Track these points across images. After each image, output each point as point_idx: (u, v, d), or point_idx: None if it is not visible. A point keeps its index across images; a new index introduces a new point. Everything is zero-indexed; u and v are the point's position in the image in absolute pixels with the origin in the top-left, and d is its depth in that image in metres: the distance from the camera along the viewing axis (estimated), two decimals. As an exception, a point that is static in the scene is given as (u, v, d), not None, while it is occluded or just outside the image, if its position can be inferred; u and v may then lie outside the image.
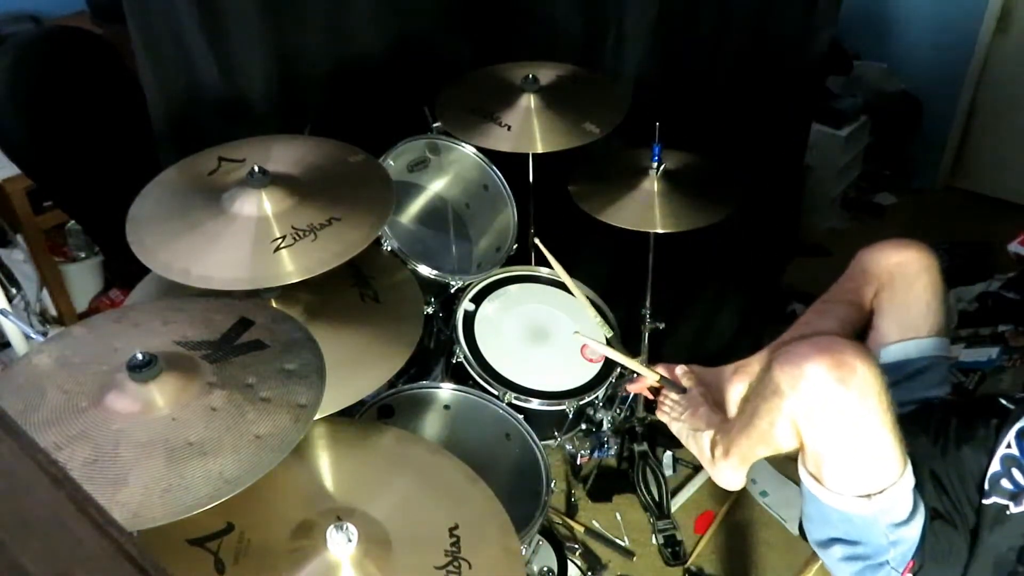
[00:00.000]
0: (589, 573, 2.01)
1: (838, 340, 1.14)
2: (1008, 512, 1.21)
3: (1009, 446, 1.24)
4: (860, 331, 1.50)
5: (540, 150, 1.89)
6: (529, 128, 1.92)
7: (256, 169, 1.43)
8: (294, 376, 1.11)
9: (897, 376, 1.37)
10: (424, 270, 1.88)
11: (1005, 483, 1.22)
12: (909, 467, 1.18)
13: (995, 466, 1.24)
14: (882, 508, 1.18)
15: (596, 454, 2.27)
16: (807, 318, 1.55)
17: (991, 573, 1.23)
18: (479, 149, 1.99)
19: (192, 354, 1.11)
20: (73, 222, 2.62)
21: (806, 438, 1.16)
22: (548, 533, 1.90)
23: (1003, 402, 1.31)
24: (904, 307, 1.43)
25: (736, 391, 1.47)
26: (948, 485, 1.27)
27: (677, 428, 1.53)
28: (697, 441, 1.47)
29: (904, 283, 1.43)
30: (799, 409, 1.14)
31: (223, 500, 0.95)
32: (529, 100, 1.94)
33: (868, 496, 1.16)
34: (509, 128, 1.92)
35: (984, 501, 1.23)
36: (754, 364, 1.47)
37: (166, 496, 0.95)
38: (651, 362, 2.22)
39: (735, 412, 1.44)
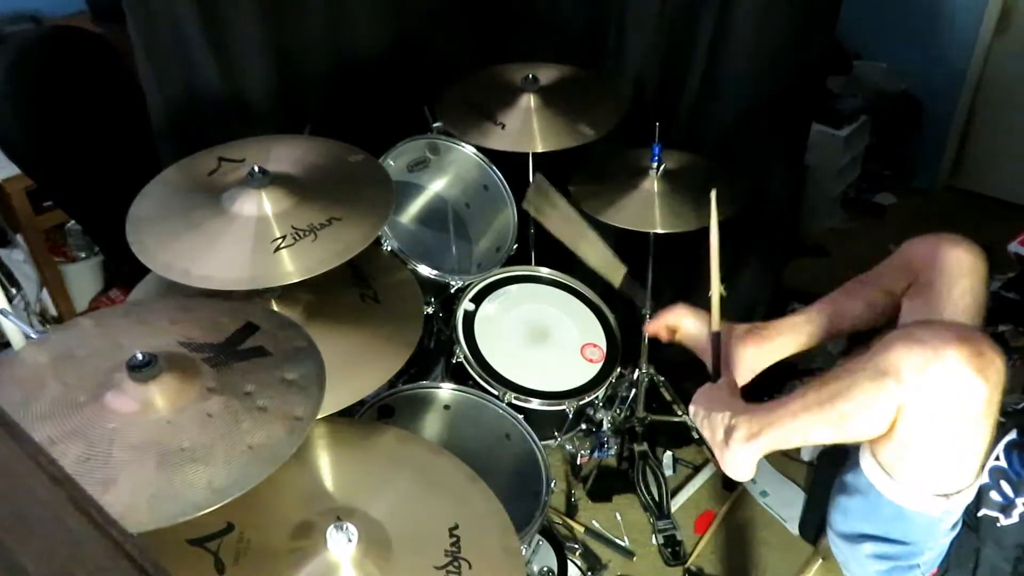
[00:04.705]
0: (589, 573, 2.00)
1: (974, 329, 1.07)
2: (999, 524, 1.20)
3: (998, 458, 1.22)
4: (884, 320, 1.39)
5: (540, 150, 1.90)
6: (529, 128, 1.92)
7: (256, 169, 1.43)
8: (293, 387, 1.10)
9: None
10: (424, 270, 1.88)
11: (994, 495, 1.21)
12: (985, 470, 1.14)
13: (984, 478, 1.21)
14: (951, 509, 1.13)
15: (596, 454, 2.27)
16: (834, 295, 1.45)
17: None
18: (479, 149, 1.99)
19: (194, 356, 1.11)
20: (73, 222, 2.62)
21: (904, 426, 1.05)
22: (548, 533, 1.89)
23: None
24: (935, 311, 1.29)
25: (749, 355, 1.38)
26: None
27: (694, 410, 1.37)
28: (711, 422, 1.32)
29: (944, 283, 1.28)
30: (917, 395, 1.01)
31: (209, 511, 0.93)
32: (529, 100, 1.95)
33: (947, 496, 1.10)
34: (503, 127, 1.92)
35: (977, 514, 1.22)
36: (772, 331, 1.39)
37: (153, 502, 0.93)
38: (651, 362, 2.24)
39: (744, 374, 1.36)
